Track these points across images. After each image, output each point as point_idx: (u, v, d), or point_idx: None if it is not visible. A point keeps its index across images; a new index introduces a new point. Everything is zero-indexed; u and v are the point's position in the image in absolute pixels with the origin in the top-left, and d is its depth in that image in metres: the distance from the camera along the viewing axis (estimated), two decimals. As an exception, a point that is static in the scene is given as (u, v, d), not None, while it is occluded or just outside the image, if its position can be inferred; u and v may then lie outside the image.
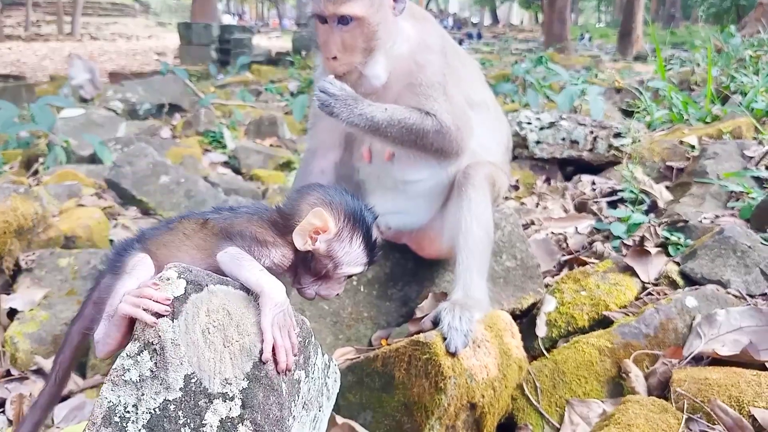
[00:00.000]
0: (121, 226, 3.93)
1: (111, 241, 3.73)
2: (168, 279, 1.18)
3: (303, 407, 1.23)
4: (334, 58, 2.14)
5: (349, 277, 1.47)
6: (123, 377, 1.10)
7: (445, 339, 2.00)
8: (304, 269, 1.43)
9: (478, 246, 2.25)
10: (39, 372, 2.77)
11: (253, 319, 1.18)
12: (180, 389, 1.10)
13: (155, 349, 1.11)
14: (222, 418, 1.09)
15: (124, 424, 1.07)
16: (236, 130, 7.00)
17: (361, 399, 2.04)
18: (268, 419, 1.12)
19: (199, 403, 1.09)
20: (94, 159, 5.40)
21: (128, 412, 1.08)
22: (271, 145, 6.61)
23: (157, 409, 1.08)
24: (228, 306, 1.18)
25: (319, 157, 2.50)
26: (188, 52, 17.75)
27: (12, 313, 3.00)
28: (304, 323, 1.30)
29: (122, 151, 5.28)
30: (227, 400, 1.10)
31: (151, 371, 1.09)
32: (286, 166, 6.08)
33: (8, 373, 2.76)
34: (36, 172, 5.37)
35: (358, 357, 2.18)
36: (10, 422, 2.49)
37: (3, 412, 2.59)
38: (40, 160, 5.48)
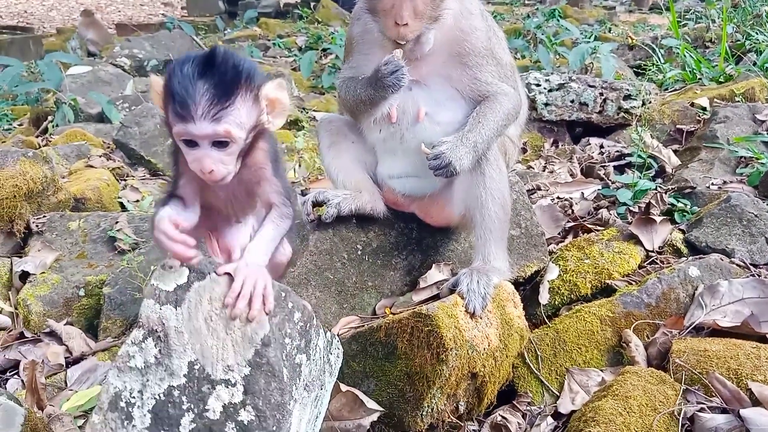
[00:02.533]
0: (130, 188, 3.96)
1: (121, 203, 3.76)
2: (171, 267, 1.20)
3: (305, 389, 1.27)
4: (405, 24, 2.15)
5: (191, 145, 1.38)
6: (128, 364, 1.13)
7: (464, 299, 2.07)
8: None
9: (494, 221, 2.28)
10: (51, 334, 2.84)
11: (254, 306, 1.21)
12: (184, 375, 1.13)
13: (159, 337, 1.14)
14: (225, 404, 1.13)
15: (130, 410, 1.11)
16: (244, 87, 6.93)
17: (365, 367, 2.09)
18: (269, 404, 1.15)
19: (203, 389, 1.13)
20: (102, 117, 5.40)
21: (134, 397, 1.12)
22: (278, 102, 6.55)
23: (161, 395, 1.12)
24: (230, 294, 1.20)
25: None
26: (195, 2, 17.40)
27: (24, 276, 3.06)
28: (305, 308, 1.33)
29: (130, 110, 5.27)
30: (230, 386, 1.14)
31: (156, 358, 1.13)
32: (294, 124, 6.03)
33: (21, 335, 2.83)
34: (45, 131, 5.38)
35: (363, 326, 2.22)
36: (24, 385, 2.57)
37: (17, 374, 2.67)
38: (49, 117, 5.47)
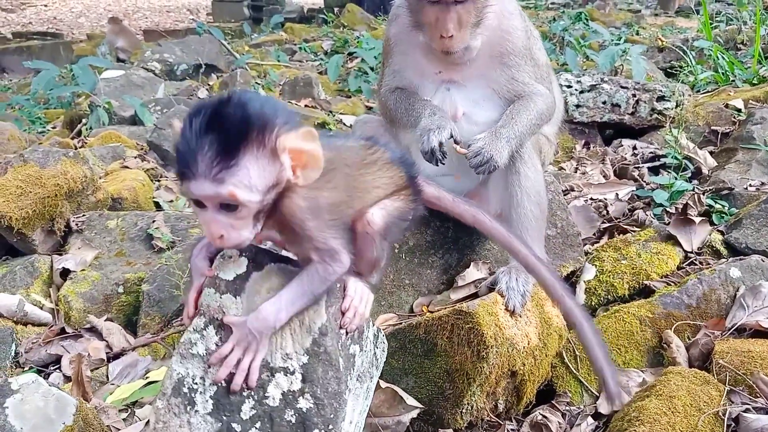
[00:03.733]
0: (164, 188, 4.02)
1: (156, 202, 3.82)
2: (230, 257, 1.23)
3: (357, 379, 1.28)
4: (451, 36, 2.16)
5: (199, 206, 1.23)
6: (191, 350, 1.16)
7: (503, 297, 2.08)
8: None
9: (531, 221, 2.29)
10: (92, 330, 2.89)
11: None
12: (244, 363, 1.15)
13: (220, 325, 1.16)
14: (284, 391, 1.15)
15: (193, 395, 1.13)
16: (272, 91, 7.01)
17: (404, 364, 2.10)
18: (327, 393, 1.17)
19: (262, 376, 1.15)
20: (135, 120, 5.49)
21: (196, 383, 1.14)
22: (306, 106, 6.61)
23: (223, 382, 1.14)
24: (288, 284, 1.22)
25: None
26: (221, 8, 17.63)
27: (64, 274, 3.12)
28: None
29: (162, 112, 5.36)
30: (288, 374, 1.16)
31: (217, 345, 1.15)
32: (321, 127, 6.07)
33: (62, 330, 2.89)
34: (79, 133, 5.49)
35: (400, 323, 2.23)
36: (67, 378, 2.62)
37: (59, 368, 2.73)
38: (83, 120, 5.58)
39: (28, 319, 2.93)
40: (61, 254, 3.24)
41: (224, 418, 1.12)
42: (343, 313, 1.29)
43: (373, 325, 1.50)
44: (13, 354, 2.70)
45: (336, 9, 13.21)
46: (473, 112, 2.37)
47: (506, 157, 2.22)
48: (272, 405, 1.14)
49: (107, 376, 2.62)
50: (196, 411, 1.12)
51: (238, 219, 1.17)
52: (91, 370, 2.63)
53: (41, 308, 2.99)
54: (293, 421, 1.14)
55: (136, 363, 2.65)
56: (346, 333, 1.28)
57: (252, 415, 1.13)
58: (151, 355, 2.71)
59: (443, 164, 2.25)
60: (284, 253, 1.40)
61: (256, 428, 1.13)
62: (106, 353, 2.75)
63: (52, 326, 2.94)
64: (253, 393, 1.14)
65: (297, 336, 1.19)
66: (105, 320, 2.91)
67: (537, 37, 2.52)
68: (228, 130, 1.17)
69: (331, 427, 1.16)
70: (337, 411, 1.17)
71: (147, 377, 2.44)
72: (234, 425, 1.12)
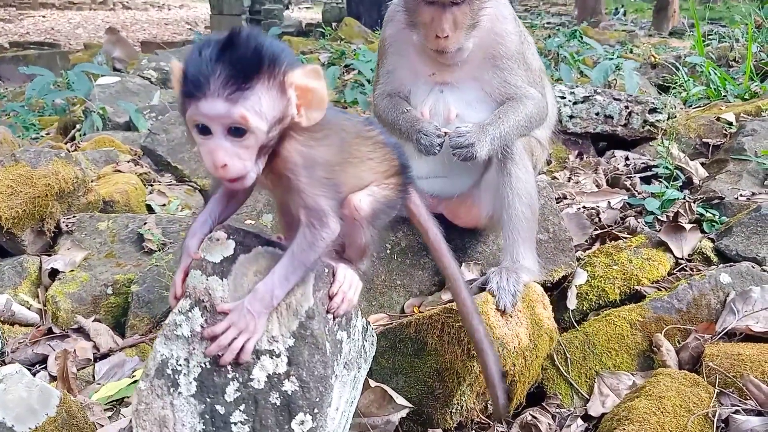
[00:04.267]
0: (157, 192, 4.01)
1: (148, 206, 3.81)
2: (218, 239, 1.22)
3: (344, 367, 1.27)
4: (446, 37, 2.19)
5: (203, 132, 1.21)
6: (175, 332, 1.14)
7: (494, 296, 2.07)
8: None
9: (522, 222, 2.28)
10: (79, 331, 2.86)
11: (299, 279, 1.22)
12: (229, 345, 1.14)
13: (206, 307, 1.15)
14: (269, 374, 1.14)
15: (176, 377, 1.12)
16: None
17: (394, 364, 2.09)
18: (312, 376, 1.16)
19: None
20: (129, 126, 5.49)
21: (180, 365, 1.13)
22: (301, 116, 6.63)
23: (207, 363, 1.13)
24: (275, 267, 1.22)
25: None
26: (219, 22, 17.74)
27: (53, 274, 3.10)
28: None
29: (157, 119, 5.35)
30: (274, 357, 1.15)
31: (202, 327, 1.14)
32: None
33: (50, 331, 2.86)
34: (73, 138, 5.47)
35: (391, 323, 2.22)
36: (53, 378, 2.59)
37: (45, 368, 2.70)
38: (77, 126, 5.57)
39: (15, 319, 2.90)
40: (50, 255, 3.21)
41: (208, 400, 1.11)
42: (330, 298, 1.28)
43: (363, 317, 1.49)
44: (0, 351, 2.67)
45: (334, 24, 13.30)
46: (466, 114, 2.38)
47: (486, 150, 2.22)
48: (257, 387, 1.13)
49: (93, 376, 2.59)
50: (180, 393, 1.11)
51: (243, 147, 1.18)
52: (78, 370, 2.60)
53: (29, 308, 2.96)
54: (278, 403, 1.13)
55: (123, 363, 2.62)
56: (334, 318, 1.27)
57: (236, 397, 1.12)
58: (138, 355, 2.68)
59: (439, 150, 2.25)
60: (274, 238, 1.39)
61: (240, 411, 1.11)
62: (93, 354, 2.72)
63: (39, 326, 2.91)
64: (237, 375, 1.13)
65: (283, 319, 1.18)
66: (93, 321, 2.88)
67: (531, 43, 2.54)
68: (241, 57, 1.19)
69: (316, 410, 1.14)
70: (323, 395, 1.16)
71: (134, 376, 2.41)
72: (218, 407, 1.10)
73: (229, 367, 1.15)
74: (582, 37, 8.65)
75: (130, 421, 2.07)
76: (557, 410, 2.19)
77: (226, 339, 1.17)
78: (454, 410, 2.04)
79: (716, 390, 2.00)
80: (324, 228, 1.27)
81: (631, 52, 9.03)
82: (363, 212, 1.39)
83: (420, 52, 2.34)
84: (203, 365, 1.12)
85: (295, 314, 1.19)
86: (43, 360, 2.74)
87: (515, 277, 2.14)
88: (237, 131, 1.17)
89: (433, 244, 1.74)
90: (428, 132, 2.25)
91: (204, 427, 1.10)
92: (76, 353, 2.66)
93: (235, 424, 1.10)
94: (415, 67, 2.39)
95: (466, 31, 2.23)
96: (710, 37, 8.28)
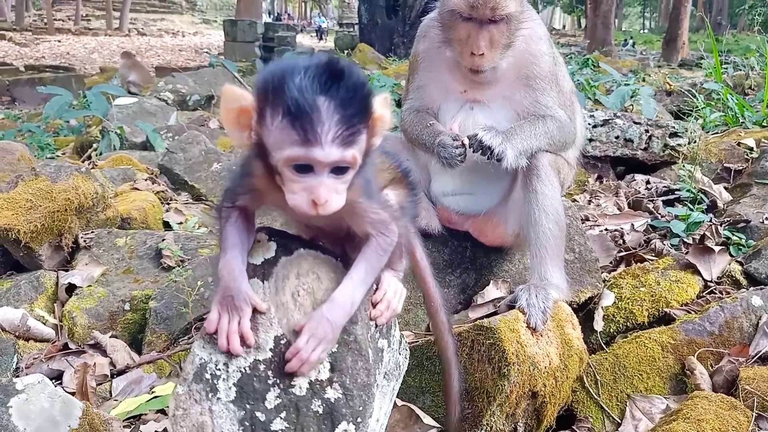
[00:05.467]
0: (174, 210, 4.00)
1: (165, 223, 3.79)
2: (259, 242, 1.19)
3: (384, 377, 1.23)
4: (481, 54, 2.18)
5: (303, 170, 1.12)
6: (214, 336, 1.11)
7: (524, 314, 2.03)
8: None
9: (549, 239, 2.24)
10: (95, 347, 2.82)
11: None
12: (270, 350, 1.10)
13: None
14: (311, 380, 1.10)
15: (215, 381, 1.08)
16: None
17: (421, 382, 2.03)
18: (356, 383, 1.12)
19: (289, 364, 1.10)
20: (146, 146, 5.51)
21: (219, 369, 1.09)
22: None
23: (247, 368, 1.09)
24: (317, 270, 1.18)
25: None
26: (233, 49, 18.00)
27: (70, 289, 3.07)
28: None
29: (173, 139, 5.37)
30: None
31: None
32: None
33: (66, 346, 2.82)
34: (89, 158, 5.49)
35: (417, 341, 2.17)
36: (69, 394, 2.54)
37: (61, 383, 2.65)
38: (94, 145, 5.59)
39: (30, 334, 2.86)
40: (67, 270, 3.19)
41: (248, 406, 1.06)
42: (374, 305, 1.24)
43: (399, 330, 1.45)
44: (14, 365, 2.63)
45: (346, 51, 13.45)
46: None
47: (512, 159, 2.19)
48: (299, 394, 1.09)
49: (110, 392, 2.54)
50: (219, 398, 1.06)
51: (342, 183, 1.14)
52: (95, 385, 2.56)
53: (45, 324, 2.93)
54: (320, 411, 1.08)
55: (141, 380, 2.58)
56: (376, 326, 1.23)
57: (277, 404, 1.07)
58: (156, 372, 2.64)
59: (462, 161, 2.22)
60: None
61: (281, 418, 1.06)
62: (110, 370, 2.68)
63: (54, 342, 2.87)
64: (278, 381, 1.08)
65: (326, 323, 1.14)
66: (110, 337, 2.84)
67: (562, 64, 2.53)
68: (350, 99, 1.12)
69: (359, 420, 1.10)
70: (366, 404, 1.11)
71: (153, 392, 2.36)
72: (258, 414, 1.06)
73: (298, 378, 1.09)
74: (595, 65, 8.69)
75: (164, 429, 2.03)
76: (588, 434, 2.12)
77: (306, 352, 1.13)
78: (483, 431, 1.98)
79: (754, 413, 1.94)
80: (392, 234, 1.29)
81: (644, 80, 9.07)
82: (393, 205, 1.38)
83: (453, 69, 2.33)
84: (243, 370, 1.08)
85: (338, 319, 1.15)
86: (59, 376, 2.69)
87: (544, 293, 2.10)
88: (340, 169, 1.13)
89: (416, 260, 1.67)
90: (446, 144, 2.22)
91: (243, 435, 1.06)
92: (97, 367, 2.62)
93: (276, 431, 1.06)
94: (447, 84, 2.38)
95: (502, 51, 2.22)
96: (725, 65, 8.29)
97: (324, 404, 1.09)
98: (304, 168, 1.11)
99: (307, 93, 1.08)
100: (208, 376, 1.08)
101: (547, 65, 2.33)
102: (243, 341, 1.10)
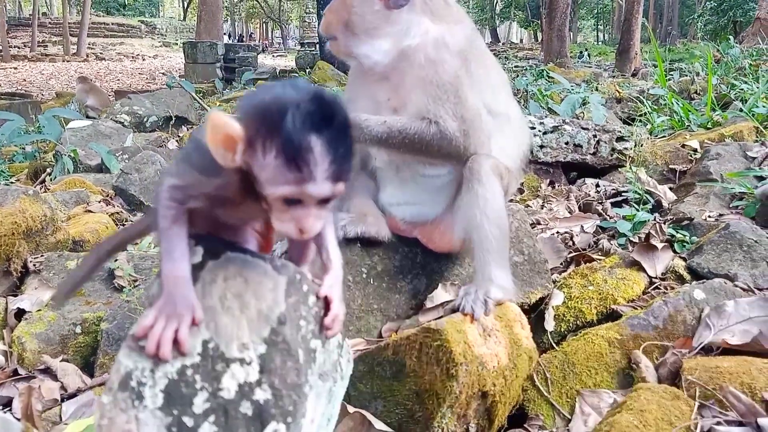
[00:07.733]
0: (128, 232, 3.95)
1: (118, 245, 3.74)
2: (185, 247, 1.19)
3: (319, 377, 1.23)
4: (333, 38, 2.37)
5: (292, 203, 1.14)
6: (139, 343, 1.10)
7: (462, 308, 2.10)
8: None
9: (492, 242, 2.27)
10: (46, 371, 2.76)
11: (269, 285, 1.19)
12: (197, 354, 1.10)
13: (173, 315, 1.11)
14: (240, 383, 1.10)
15: (141, 389, 1.07)
16: (241, 142, 7.03)
17: (372, 388, 2.04)
18: (285, 384, 1.12)
19: (217, 367, 1.10)
20: (101, 169, 5.44)
21: (145, 377, 1.08)
22: (275, 156, 6.63)
23: (174, 374, 1.08)
24: (245, 273, 1.19)
25: None
26: (194, 70, 17.93)
27: (19, 315, 3.00)
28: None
29: (129, 160, 5.32)
30: (245, 365, 1.11)
31: (168, 337, 1.10)
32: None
33: (15, 372, 2.76)
34: (43, 182, 5.40)
35: (369, 348, 2.18)
36: (18, 420, 2.48)
37: (10, 410, 2.58)
38: (48, 170, 5.51)
39: (-22, 362, 2.79)
40: (15, 296, 3.13)
41: (175, 412, 1.06)
42: (327, 328, 1.31)
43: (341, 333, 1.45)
44: (-40, 394, 2.56)
45: (308, 69, 13.51)
46: None
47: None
48: (227, 397, 1.08)
49: (60, 417, 2.48)
50: (145, 406, 1.05)
51: (326, 210, 1.18)
52: (44, 411, 2.50)
53: (-7, 350, 2.86)
54: (249, 414, 1.08)
55: (92, 402, 2.52)
56: (327, 337, 1.31)
57: (205, 408, 1.07)
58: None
59: None
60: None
61: (209, 422, 1.06)
62: (61, 394, 2.63)
63: (4, 368, 2.81)
64: (206, 384, 1.08)
65: (254, 325, 1.14)
66: (60, 361, 2.78)
67: (478, 83, 2.42)
68: (341, 137, 1.13)
69: (290, 419, 1.10)
70: (297, 404, 1.12)
71: (103, 413, 2.32)
72: (185, 419, 1.05)
73: (234, 345, 1.15)
74: (548, 75, 8.87)
75: None
76: (540, 431, 2.15)
77: (341, 314, 1.31)
78: (435, 433, 1.99)
79: (697, 402, 1.99)
80: None
81: (596, 89, 9.28)
82: None
83: (380, 80, 2.37)
84: (170, 376, 1.08)
85: (266, 320, 1.15)
86: (8, 403, 2.63)
87: (485, 290, 2.14)
88: (327, 200, 1.16)
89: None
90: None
91: (171, 442, 1.05)
92: (42, 393, 2.56)
93: (204, 436, 1.05)
94: (372, 93, 2.41)
95: (362, 39, 2.32)
96: (671, 73, 8.54)
97: (253, 406, 1.09)
98: (295, 201, 1.14)
99: (302, 133, 1.09)
100: (133, 383, 1.07)
101: (446, 74, 2.29)
102: (177, 348, 1.10)
